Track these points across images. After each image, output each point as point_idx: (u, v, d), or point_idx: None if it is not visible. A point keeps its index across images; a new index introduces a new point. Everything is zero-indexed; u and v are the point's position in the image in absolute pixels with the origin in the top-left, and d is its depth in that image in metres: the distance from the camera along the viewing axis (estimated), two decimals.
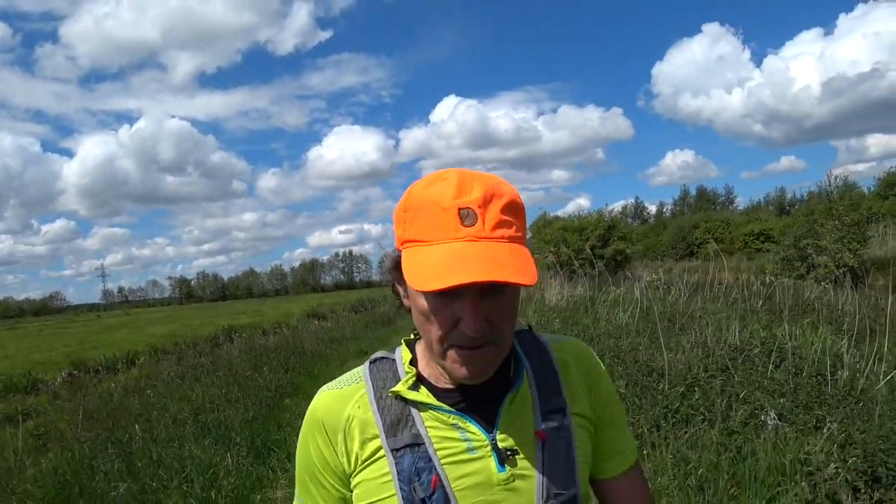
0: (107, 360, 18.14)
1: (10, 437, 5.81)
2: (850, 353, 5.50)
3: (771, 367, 5.21)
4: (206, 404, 6.68)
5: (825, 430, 3.56)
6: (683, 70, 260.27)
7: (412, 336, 1.09)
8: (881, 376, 4.63)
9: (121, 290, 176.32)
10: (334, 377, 1.09)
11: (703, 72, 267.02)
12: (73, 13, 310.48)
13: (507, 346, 0.96)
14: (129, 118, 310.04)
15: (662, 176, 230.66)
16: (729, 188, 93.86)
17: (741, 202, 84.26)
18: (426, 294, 0.89)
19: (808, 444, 3.50)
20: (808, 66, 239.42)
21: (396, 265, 0.96)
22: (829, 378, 4.61)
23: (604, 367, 1.15)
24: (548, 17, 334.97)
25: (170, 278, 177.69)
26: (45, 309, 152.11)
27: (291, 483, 4.32)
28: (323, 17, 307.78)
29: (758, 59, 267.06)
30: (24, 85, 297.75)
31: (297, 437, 1.09)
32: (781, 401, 4.24)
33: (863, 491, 3.09)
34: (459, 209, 0.87)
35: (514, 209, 0.91)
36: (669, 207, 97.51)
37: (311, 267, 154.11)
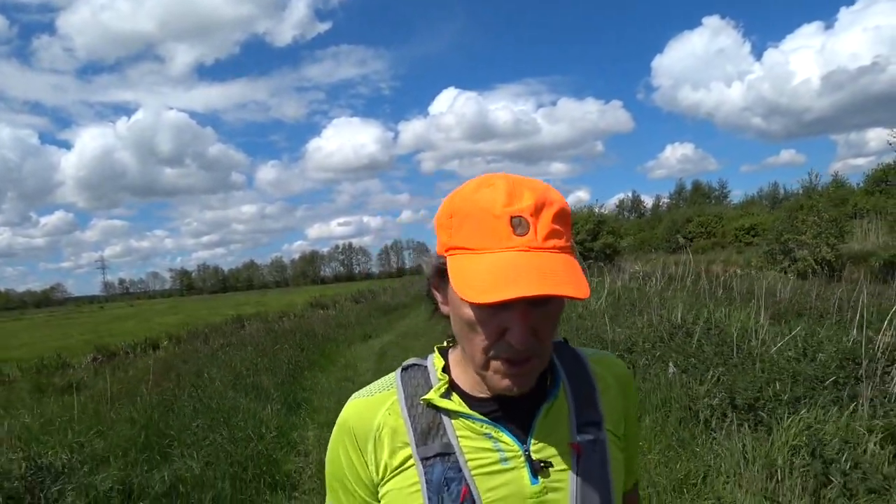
0: (127, 345, 19.46)
1: (88, 397, 7.18)
2: (765, 328, 6.83)
3: (697, 338, 6.57)
4: (242, 371, 8.07)
5: (710, 377, 4.96)
6: (683, 63, 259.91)
7: (445, 343, 1.08)
8: (776, 345, 5.98)
9: (122, 281, 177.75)
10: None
11: (703, 65, 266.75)
12: (70, 4, 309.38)
13: (548, 358, 0.95)
14: (126, 110, 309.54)
15: (662, 169, 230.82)
16: (723, 182, 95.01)
17: (739, 196, 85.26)
18: (473, 304, 0.87)
19: (696, 385, 4.91)
20: (808, 59, 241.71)
21: (438, 271, 0.95)
22: (735, 345, 5.98)
23: (636, 385, 1.16)
24: (547, 9, 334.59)
25: (170, 270, 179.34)
26: (47, 300, 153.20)
27: (320, 426, 5.78)
28: (321, 8, 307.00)
29: (758, 53, 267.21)
30: (21, 77, 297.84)
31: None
32: (692, 360, 5.63)
33: (728, 416, 4.47)
34: (511, 217, 0.85)
35: (564, 218, 0.90)
36: (666, 201, 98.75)
37: (311, 259, 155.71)
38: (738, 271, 24.36)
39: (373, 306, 22.34)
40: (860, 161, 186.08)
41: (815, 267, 22.56)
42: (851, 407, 3.99)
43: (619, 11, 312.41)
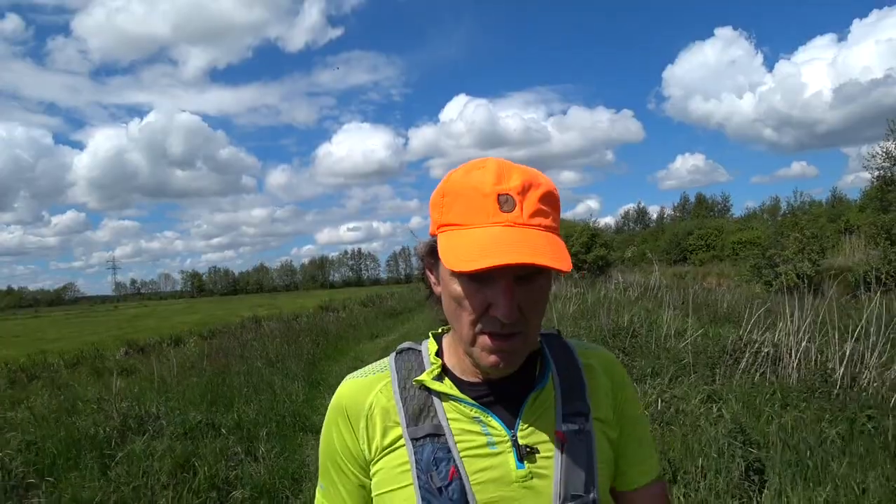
0: (154, 341, 21.29)
1: (144, 377, 9.14)
2: (691, 328, 8.65)
3: (632, 334, 8.42)
4: (272, 357, 10.02)
5: (624, 360, 6.84)
6: (695, 73, 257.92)
7: (440, 329, 1.11)
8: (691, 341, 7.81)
9: (133, 282, 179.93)
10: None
11: (715, 75, 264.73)
12: (85, 7, 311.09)
13: (535, 338, 0.98)
14: (139, 112, 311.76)
15: (672, 179, 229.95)
16: (725, 196, 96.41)
17: (751, 208, 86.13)
18: (460, 278, 0.91)
19: None
20: (820, 71, 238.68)
21: (431, 251, 0.99)
22: (654, 340, 7.83)
23: (629, 379, 1.17)
24: (559, 17, 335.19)
25: (182, 272, 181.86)
26: (59, 300, 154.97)
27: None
28: (334, 14, 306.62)
29: (770, 64, 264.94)
30: (36, 77, 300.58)
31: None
32: (618, 351, 7.50)
33: None
34: (499, 195, 0.89)
35: (551, 200, 0.93)
36: (669, 213, 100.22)
37: (321, 264, 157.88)
38: (721, 284, 26.03)
39: (380, 310, 24.24)
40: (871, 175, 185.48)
41: (796, 281, 23.99)
42: (693, 378, 5.86)
43: (630, 21, 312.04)
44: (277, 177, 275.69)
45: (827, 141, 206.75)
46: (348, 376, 1.10)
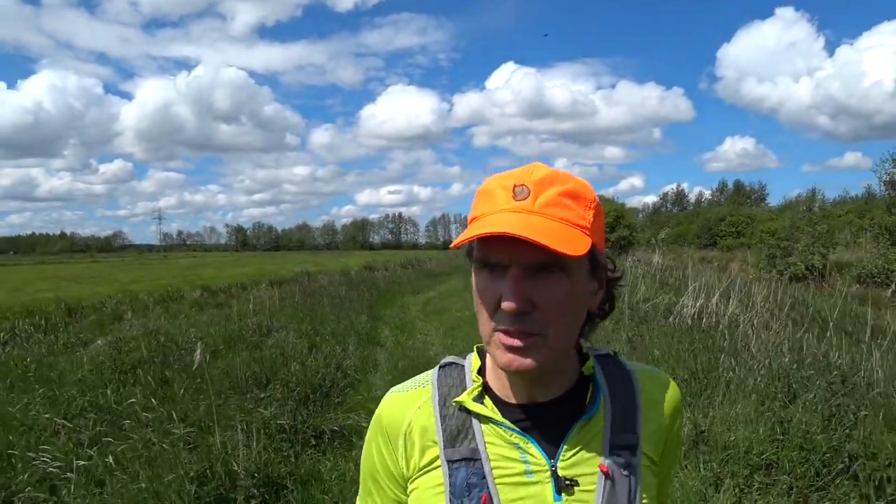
0: (225, 286, 24.09)
1: (251, 306, 12.23)
2: (656, 295, 11.35)
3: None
4: (342, 297, 13.15)
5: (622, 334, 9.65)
6: (751, 54, 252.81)
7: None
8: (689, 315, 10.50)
9: (179, 233, 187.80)
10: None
11: (772, 57, 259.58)
12: None
13: (559, 344, 0.91)
14: (187, 65, 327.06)
15: (719, 162, 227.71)
16: (762, 185, 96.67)
17: (781, 199, 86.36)
18: (479, 272, 0.90)
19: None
20: (883, 59, 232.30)
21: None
22: (639, 307, 10.58)
23: (682, 407, 1.12)
24: None
25: (227, 226, 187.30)
26: (108, 246, 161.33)
27: (389, 327, 10.95)
28: None
29: (831, 49, 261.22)
30: (88, 27, 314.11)
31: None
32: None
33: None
34: (515, 186, 0.89)
35: (575, 196, 0.90)
36: (707, 197, 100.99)
37: (362, 225, 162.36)
38: (743, 270, 28.17)
39: (420, 271, 27.29)
40: None
41: (805, 272, 26.01)
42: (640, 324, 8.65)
43: None
44: (320, 136, 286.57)
45: (885, 133, 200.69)
46: (391, 390, 1.09)
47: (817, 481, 3.62)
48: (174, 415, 4.59)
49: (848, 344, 5.92)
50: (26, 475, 3.78)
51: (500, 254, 0.86)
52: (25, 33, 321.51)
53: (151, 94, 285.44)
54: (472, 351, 1.07)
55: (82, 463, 3.88)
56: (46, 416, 4.99)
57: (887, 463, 3.52)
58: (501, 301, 0.86)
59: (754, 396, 4.76)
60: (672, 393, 1.07)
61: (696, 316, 8.53)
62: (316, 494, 4.00)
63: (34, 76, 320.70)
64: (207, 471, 3.74)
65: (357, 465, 2.05)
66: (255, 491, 3.74)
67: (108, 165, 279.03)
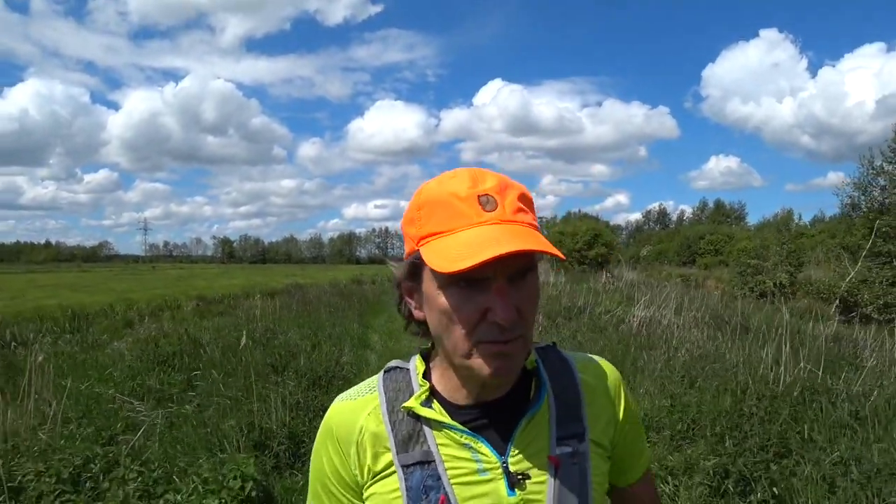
0: (220, 296, 24.91)
1: (254, 312, 13.56)
2: (624, 311, 12.81)
3: (576, 312, 12.61)
4: (335, 307, 14.52)
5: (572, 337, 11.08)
6: (735, 74, 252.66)
7: (430, 345, 1.07)
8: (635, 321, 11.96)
9: (166, 244, 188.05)
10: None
11: (756, 77, 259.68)
12: None
13: (531, 341, 0.96)
14: (175, 76, 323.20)
15: (704, 180, 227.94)
16: (742, 204, 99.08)
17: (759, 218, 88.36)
18: (449, 289, 0.89)
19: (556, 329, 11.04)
20: (865, 80, 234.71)
21: (410, 269, 0.96)
22: (595, 316, 12.03)
23: (627, 389, 1.14)
24: (601, 8, 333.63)
25: (214, 238, 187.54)
26: (94, 256, 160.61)
27: (378, 333, 12.44)
28: None
29: (813, 70, 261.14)
30: (76, 36, 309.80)
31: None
32: (562, 319, 11.70)
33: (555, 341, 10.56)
34: (479, 196, 0.88)
35: (527, 201, 0.93)
36: (689, 216, 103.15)
37: (349, 239, 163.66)
38: (717, 288, 29.48)
39: None
40: None
41: (773, 289, 27.39)
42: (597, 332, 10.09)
43: (673, 16, 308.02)
44: (308, 149, 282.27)
45: (866, 153, 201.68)
46: (338, 398, 1.08)
47: (688, 434, 5.06)
48: (222, 387, 5.96)
49: (749, 343, 7.37)
50: (119, 424, 5.14)
51: (486, 268, 0.83)
52: (13, 41, 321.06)
53: (138, 105, 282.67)
54: (416, 354, 1.08)
55: (166, 410, 5.25)
56: (110, 391, 6.31)
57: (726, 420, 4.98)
58: (488, 315, 0.87)
59: (657, 378, 6.23)
60: (612, 376, 1.10)
61: (640, 324, 9.98)
62: None
63: (21, 84, 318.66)
64: (252, 424, 5.11)
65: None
66: (284, 440, 5.12)
67: (93, 175, 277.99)
